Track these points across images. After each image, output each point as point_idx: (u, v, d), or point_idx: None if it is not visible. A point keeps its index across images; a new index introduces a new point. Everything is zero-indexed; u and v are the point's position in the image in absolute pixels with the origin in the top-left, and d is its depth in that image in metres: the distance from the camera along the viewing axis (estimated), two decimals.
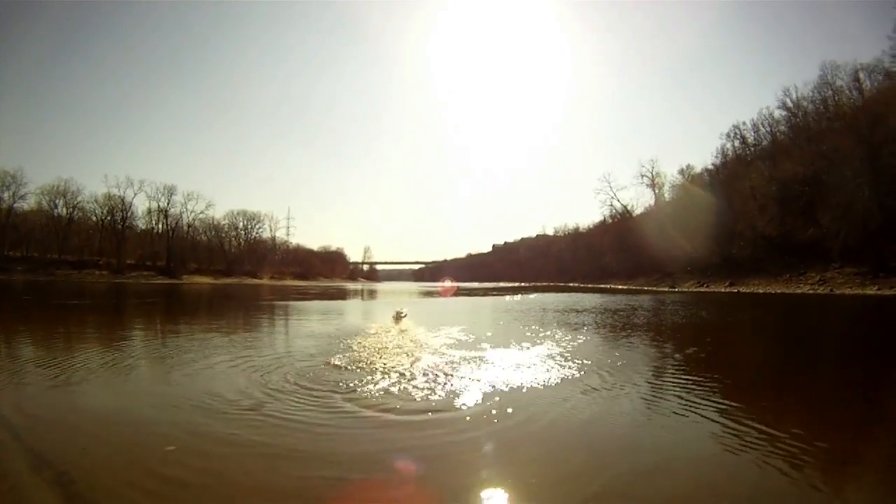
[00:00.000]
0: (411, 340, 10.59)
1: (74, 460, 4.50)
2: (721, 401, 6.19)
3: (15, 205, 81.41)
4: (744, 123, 62.94)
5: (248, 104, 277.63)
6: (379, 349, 9.42)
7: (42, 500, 3.79)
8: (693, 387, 6.93)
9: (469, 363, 8.47)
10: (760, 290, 39.78)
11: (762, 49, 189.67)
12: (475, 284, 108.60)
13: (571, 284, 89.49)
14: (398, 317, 17.90)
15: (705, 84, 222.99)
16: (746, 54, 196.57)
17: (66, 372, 8.17)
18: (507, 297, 40.43)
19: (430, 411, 5.74)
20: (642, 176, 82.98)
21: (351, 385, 6.76)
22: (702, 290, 47.92)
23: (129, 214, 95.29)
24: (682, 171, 76.91)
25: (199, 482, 4.06)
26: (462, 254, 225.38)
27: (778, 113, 56.81)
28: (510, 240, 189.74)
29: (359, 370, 7.77)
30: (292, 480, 4.07)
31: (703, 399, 6.26)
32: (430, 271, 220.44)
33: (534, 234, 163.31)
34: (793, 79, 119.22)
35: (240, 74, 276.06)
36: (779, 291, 37.85)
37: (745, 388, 7.27)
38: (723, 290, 44.35)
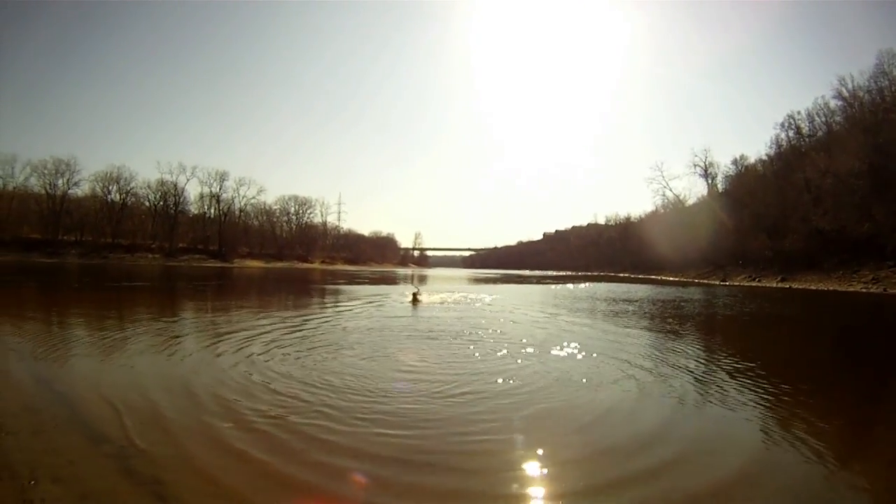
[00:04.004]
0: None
1: (133, 435, 4.64)
2: (769, 395, 6.50)
3: (69, 191, 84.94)
4: (799, 113, 60.38)
5: (299, 91, 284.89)
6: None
7: (102, 474, 3.89)
8: (742, 379, 7.37)
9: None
10: (812, 287, 38.99)
11: (817, 36, 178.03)
12: (526, 272, 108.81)
13: (622, 274, 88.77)
14: (415, 298, 19.42)
15: (760, 72, 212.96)
16: (801, 42, 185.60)
17: (127, 349, 8.79)
18: (560, 286, 41.57)
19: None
20: (695, 165, 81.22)
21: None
22: (753, 284, 47.24)
23: (181, 199, 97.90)
24: (735, 162, 74.81)
25: (258, 458, 4.24)
26: (512, 241, 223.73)
27: (833, 103, 54.44)
28: (561, 227, 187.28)
29: None
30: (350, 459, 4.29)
31: (751, 391, 6.68)
32: (481, 258, 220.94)
33: (584, 223, 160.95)
34: (848, 67, 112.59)
35: (293, 62, 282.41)
36: (831, 289, 37.07)
37: (793, 383, 7.36)
38: (774, 285, 43.62)
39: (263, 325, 12.22)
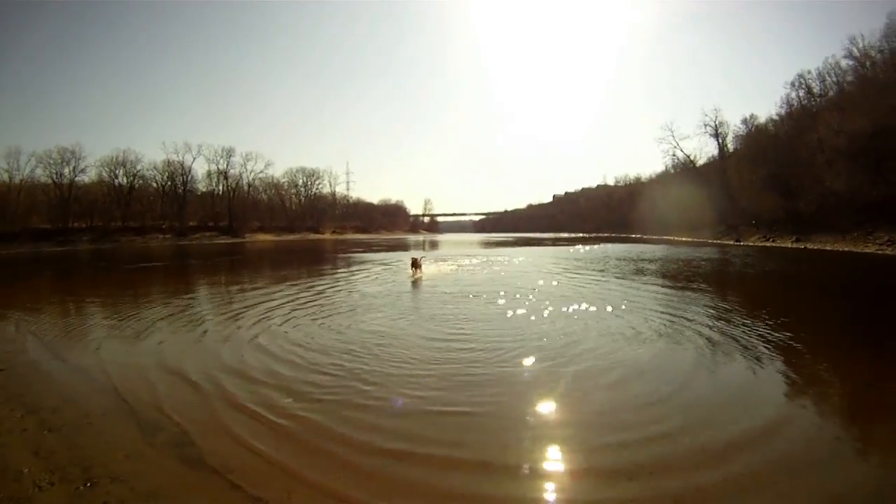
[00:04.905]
0: None
1: (188, 420, 4.47)
2: (792, 360, 6.61)
3: (76, 178, 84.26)
4: (809, 73, 58.55)
5: (302, 60, 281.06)
6: None
7: (164, 467, 3.60)
8: (768, 342, 7.50)
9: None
10: (828, 248, 38.66)
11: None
12: (538, 235, 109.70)
13: (633, 235, 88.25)
14: (416, 265, 18.60)
15: (768, 30, 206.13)
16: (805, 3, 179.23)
17: (156, 329, 8.87)
18: (575, 248, 42.62)
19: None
20: (705, 125, 79.14)
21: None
22: (768, 244, 47.02)
23: (189, 178, 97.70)
24: (745, 121, 72.97)
25: (322, 434, 4.26)
26: (522, 204, 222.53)
27: (845, 63, 52.60)
28: (571, 190, 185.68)
29: None
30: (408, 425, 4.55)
31: (774, 357, 6.77)
32: (491, 222, 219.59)
33: (594, 185, 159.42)
34: (860, 27, 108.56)
35: (295, 31, 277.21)
36: (846, 250, 36.74)
37: (814, 343, 7.65)
38: (789, 245, 43.32)
39: (297, 295, 12.80)
